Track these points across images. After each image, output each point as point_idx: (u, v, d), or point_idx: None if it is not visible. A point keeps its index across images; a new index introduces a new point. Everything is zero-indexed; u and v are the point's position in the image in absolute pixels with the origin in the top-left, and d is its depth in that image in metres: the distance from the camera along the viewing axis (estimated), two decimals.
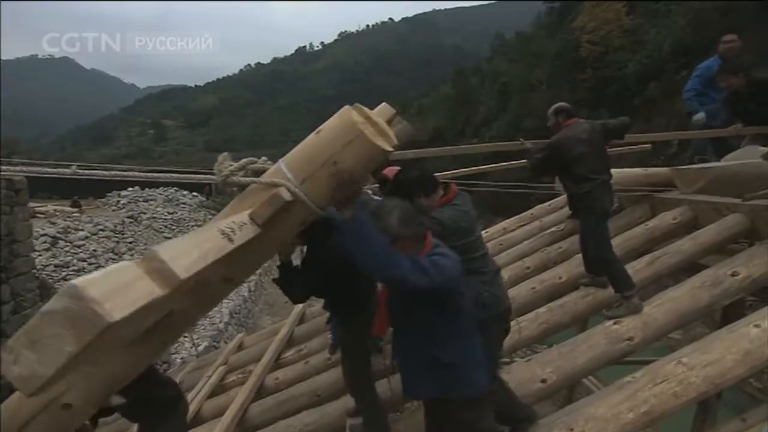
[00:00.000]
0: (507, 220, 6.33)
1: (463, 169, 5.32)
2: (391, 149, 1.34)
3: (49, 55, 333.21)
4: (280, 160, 1.35)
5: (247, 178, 1.36)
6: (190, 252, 0.84)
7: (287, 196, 1.21)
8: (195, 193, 27.82)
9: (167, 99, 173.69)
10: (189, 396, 4.02)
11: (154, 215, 21.46)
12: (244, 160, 1.41)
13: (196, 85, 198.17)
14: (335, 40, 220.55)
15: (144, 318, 0.77)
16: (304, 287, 2.31)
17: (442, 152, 5.80)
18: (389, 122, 2.64)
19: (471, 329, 1.78)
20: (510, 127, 36.55)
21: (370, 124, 1.30)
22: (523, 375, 2.78)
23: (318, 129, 1.34)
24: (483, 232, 6.54)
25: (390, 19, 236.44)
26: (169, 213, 22.65)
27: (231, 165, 1.39)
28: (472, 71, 61.97)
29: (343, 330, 2.65)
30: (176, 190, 27.62)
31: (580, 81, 32.71)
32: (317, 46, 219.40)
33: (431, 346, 1.69)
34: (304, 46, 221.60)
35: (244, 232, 1.13)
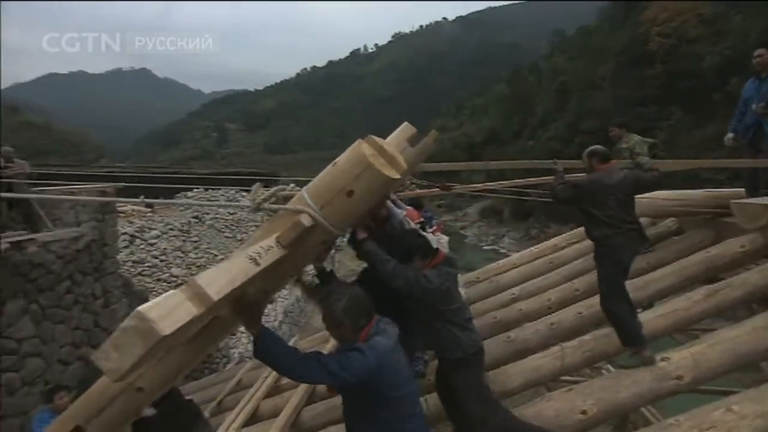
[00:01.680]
0: (558, 237, 6.19)
1: (490, 183, 5.31)
2: (399, 176, 1.49)
3: (130, 67, 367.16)
4: (303, 188, 1.55)
5: (275, 206, 1.61)
6: (221, 278, 1.08)
7: (308, 222, 1.41)
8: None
9: (229, 103, 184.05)
10: (247, 394, 4.39)
11: (216, 216, 22.91)
12: (273, 189, 1.68)
13: (255, 90, 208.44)
14: (389, 41, 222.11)
15: (188, 329, 1.04)
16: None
17: (472, 167, 5.85)
18: (411, 140, 2.80)
19: (394, 417, 1.83)
20: (569, 128, 34.93)
21: (380, 155, 1.44)
22: (562, 404, 2.78)
23: (335, 161, 1.52)
24: (533, 247, 6.49)
25: (444, 18, 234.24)
26: (230, 214, 24.07)
27: (263, 193, 1.64)
28: (529, 70, 59.79)
29: None
30: (236, 191, 29.35)
31: (648, 77, 30.59)
32: (371, 48, 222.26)
33: (350, 424, 1.94)
34: (359, 49, 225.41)
35: (270, 254, 1.34)
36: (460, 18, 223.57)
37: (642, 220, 4.94)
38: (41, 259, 6.58)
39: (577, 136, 31.91)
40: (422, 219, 3.16)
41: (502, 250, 28.89)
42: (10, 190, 6.59)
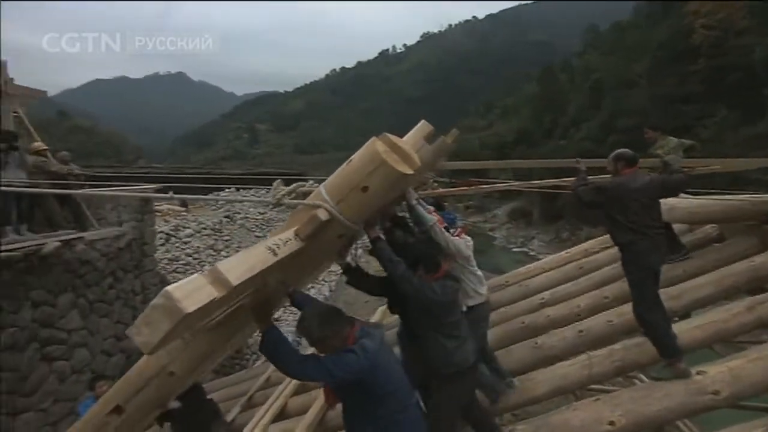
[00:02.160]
0: (589, 242, 6.04)
1: (514, 182, 5.23)
2: (412, 172, 1.53)
3: (167, 72, 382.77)
4: (321, 185, 1.61)
5: (294, 201, 1.70)
6: (240, 265, 1.16)
7: (324, 216, 1.47)
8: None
9: (260, 105, 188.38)
10: (276, 391, 4.53)
11: (247, 215, 23.57)
12: (294, 185, 1.78)
13: (285, 91, 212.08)
14: (417, 41, 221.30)
15: (210, 311, 1.14)
16: (374, 287, 2.73)
17: (495, 165, 5.81)
18: (428, 138, 2.82)
19: (389, 412, 1.95)
20: (603, 128, 33.79)
21: (394, 152, 1.49)
22: (589, 414, 2.74)
23: (350, 159, 1.57)
24: (564, 251, 6.36)
25: (474, 17, 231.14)
26: (260, 213, 24.70)
27: (283, 189, 1.75)
28: (561, 68, 58.17)
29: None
30: (267, 192, 30.09)
31: (690, 72, 29.12)
32: (400, 49, 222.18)
33: (350, 425, 2.07)
34: (387, 49, 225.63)
35: (288, 246, 1.42)
36: (490, 16, 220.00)
37: (678, 226, 4.78)
38: (88, 256, 6.99)
39: (611, 135, 30.84)
40: (444, 225, 3.17)
41: (532, 252, 28.27)
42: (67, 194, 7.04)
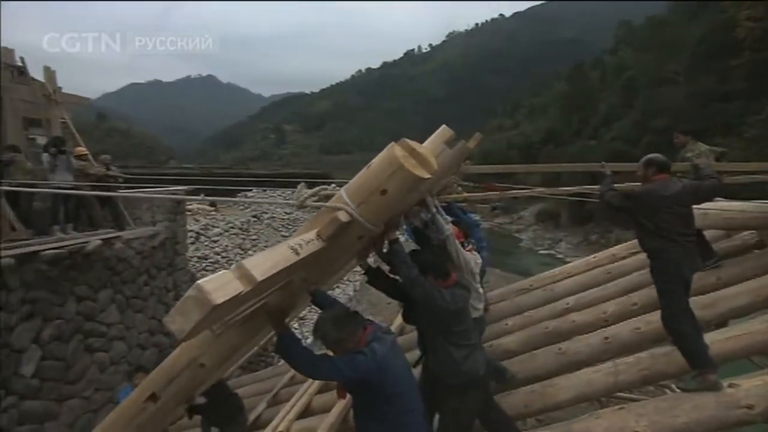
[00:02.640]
0: (617, 246, 5.90)
1: (527, 189, 5.19)
2: (429, 176, 1.57)
3: (198, 75, 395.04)
4: (342, 188, 1.68)
5: (317, 203, 1.79)
6: (265, 263, 1.24)
7: (345, 218, 1.54)
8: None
9: (287, 105, 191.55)
10: (301, 389, 4.65)
11: (273, 215, 24.06)
12: (317, 188, 1.89)
13: (312, 92, 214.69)
14: (443, 41, 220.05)
15: (237, 305, 1.23)
16: (392, 289, 2.76)
17: (518, 169, 5.71)
18: (448, 142, 2.85)
19: (395, 413, 2.03)
20: (636, 127, 32.61)
21: (412, 156, 1.53)
22: (613, 422, 2.70)
23: (369, 163, 1.63)
24: (591, 256, 6.23)
25: (500, 15, 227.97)
26: (287, 213, 25.17)
27: (307, 192, 1.85)
28: (592, 65, 56.48)
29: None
30: (293, 192, 30.58)
31: (732, 68, 27.69)
32: (425, 49, 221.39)
33: (358, 423, 2.17)
34: (413, 49, 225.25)
35: (310, 246, 1.50)
36: (517, 14, 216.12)
37: (712, 232, 4.62)
38: (125, 254, 7.36)
39: (645, 135, 29.73)
40: (462, 240, 3.23)
41: (559, 255, 27.62)
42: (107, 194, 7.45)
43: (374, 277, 2.73)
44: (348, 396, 2.34)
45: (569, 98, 49.61)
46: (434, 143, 2.73)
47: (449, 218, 3.04)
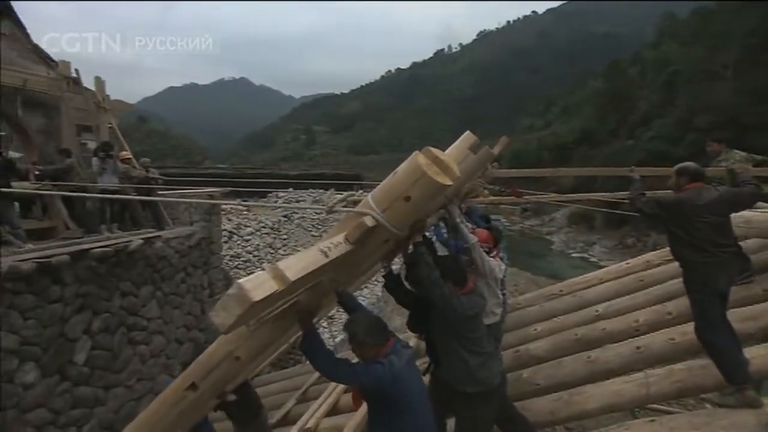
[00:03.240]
0: (651, 253, 5.72)
1: (552, 195, 5.06)
2: (451, 183, 1.64)
3: (231, 77, 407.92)
4: (368, 194, 1.77)
5: (345, 209, 1.90)
6: (297, 264, 1.36)
7: (371, 223, 1.64)
8: (338, 193, 30.73)
9: (317, 106, 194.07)
10: (329, 387, 4.78)
11: (303, 215, 24.49)
12: (345, 194, 2.08)
13: (341, 93, 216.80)
14: (473, 39, 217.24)
15: (273, 302, 1.35)
16: (404, 296, 2.85)
17: (540, 173, 5.63)
18: (473, 148, 2.88)
19: (405, 425, 2.11)
20: (678, 125, 31.14)
21: (434, 164, 1.60)
22: None
23: (395, 171, 1.71)
24: (623, 262, 6.06)
25: (533, 12, 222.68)
26: (316, 214, 25.58)
27: (336, 198, 1.98)
28: (631, 61, 54.41)
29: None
30: (322, 192, 31.06)
31: None
32: (455, 48, 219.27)
33: (371, 427, 2.30)
34: (442, 49, 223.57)
35: (339, 249, 1.60)
36: (550, 10, 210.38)
37: (755, 241, 4.41)
38: (165, 253, 7.75)
39: (688, 133, 28.36)
40: (488, 245, 3.27)
41: (592, 259, 26.78)
42: (148, 195, 7.91)
43: (391, 282, 2.81)
44: (364, 403, 2.43)
45: (605, 96, 47.89)
46: (458, 149, 2.79)
47: (471, 226, 3.09)
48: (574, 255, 28.85)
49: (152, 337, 7.56)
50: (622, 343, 3.87)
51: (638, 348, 3.68)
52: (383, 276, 2.82)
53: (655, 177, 4.55)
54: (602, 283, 5.46)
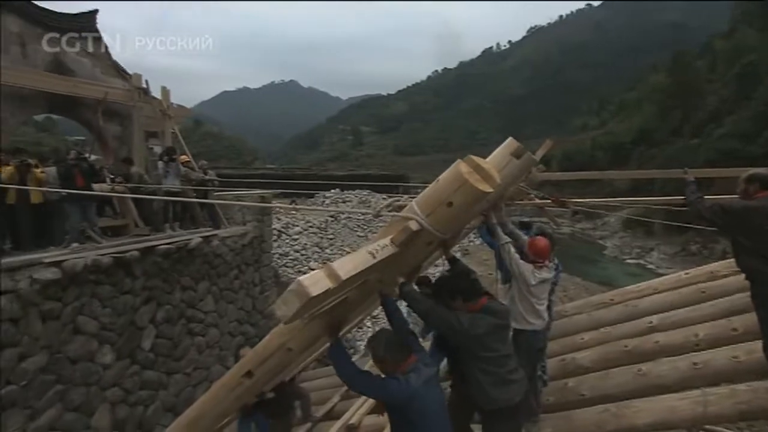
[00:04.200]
0: (717, 263, 5.35)
1: (600, 199, 4.83)
2: (492, 190, 1.69)
3: (281, 80, 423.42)
4: (413, 200, 1.85)
5: (391, 213, 2.03)
6: (348, 264, 1.47)
7: (415, 227, 1.73)
8: (385, 197, 30.95)
9: (364, 107, 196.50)
10: None
11: (350, 216, 24.98)
12: (391, 199, 2.19)
13: (388, 94, 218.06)
14: (523, 36, 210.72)
15: (326, 298, 1.46)
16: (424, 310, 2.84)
17: (584, 176, 5.40)
18: (515, 153, 2.88)
19: None
20: (755, 122, 28.49)
21: (476, 172, 1.66)
22: None
23: (437, 179, 1.79)
24: (684, 272, 5.70)
25: (588, 5, 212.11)
26: (362, 214, 26.00)
27: (383, 203, 2.12)
28: (698, 52, 50.45)
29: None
30: (368, 193, 31.42)
31: None
32: (504, 46, 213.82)
33: None
34: (491, 47, 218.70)
35: (385, 251, 1.70)
36: (607, 2, 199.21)
37: None
38: (220, 251, 8.27)
39: (766, 129, 25.91)
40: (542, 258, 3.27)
41: (650, 266, 25.13)
42: (205, 196, 8.48)
43: (409, 293, 2.85)
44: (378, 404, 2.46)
45: (668, 91, 44.66)
46: (500, 155, 2.83)
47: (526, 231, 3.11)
48: (629, 261, 27.23)
49: (208, 329, 8.10)
50: (677, 357, 3.69)
51: (696, 364, 3.50)
52: (399, 287, 2.90)
53: (723, 179, 4.28)
54: (657, 293, 5.20)
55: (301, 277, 1.32)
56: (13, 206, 6.11)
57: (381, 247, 1.69)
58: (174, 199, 7.64)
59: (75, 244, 6.30)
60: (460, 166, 1.68)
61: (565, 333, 4.82)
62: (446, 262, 2.96)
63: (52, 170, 6.61)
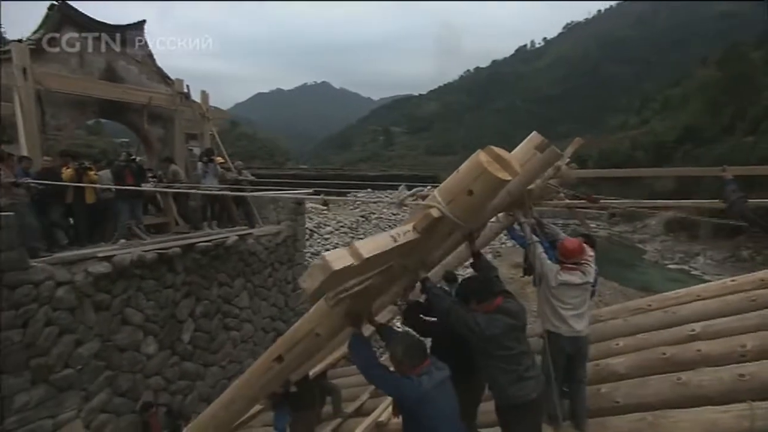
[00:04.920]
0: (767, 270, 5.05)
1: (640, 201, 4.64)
2: (510, 178, 1.74)
3: (313, 82, 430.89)
4: (435, 189, 1.90)
5: (414, 202, 2.11)
6: (370, 244, 1.55)
7: (436, 214, 1.78)
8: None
9: (395, 108, 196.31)
10: None
11: (380, 216, 25.16)
12: (414, 189, 2.24)
13: (420, 94, 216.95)
14: (559, 33, 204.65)
15: (350, 275, 1.54)
16: (422, 328, 2.92)
17: (615, 174, 5.20)
18: (539, 147, 2.85)
19: None
20: None
21: (495, 162, 1.70)
22: None
23: (458, 169, 1.83)
24: (729, 279, 5.40)
25: None
26: (393, 214, 26.11)
27: (405, 193, 2.20)
28: (754, 44, 47.26)
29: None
30: (396, 191, 31.47)
31: None
32: (539, 43, 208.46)
33: None
34: (525, 45, 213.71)
35: (407, 236, 1.77)
36: None
37: None
38: (255, 249, 8.56)
39: None
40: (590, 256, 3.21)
41: (694, 272, 23.83)
42: (242, 195, 8.81)
43: (410, 318, 2.93)
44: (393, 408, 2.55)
45: (719, 86, 42.04)
46: (524, 148, 2.85)
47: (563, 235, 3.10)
48: (671, 266, 25.92)
49: (242, 324, 8.40)
50: (721, 368, 3.52)
51: (742, 376, 3.33)
52: (402, 312, 2.98)
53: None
54: (701, 299, 4.96)
55: (325, 253, 1.41)
56: (69, 205, 6.60)
57: (403, 232, 1.77)
58: (228, 194, 8.05)
59: (122, 240, 6.72)
60: (480, 156, 1.73)
61: (599, 338, 4.69)
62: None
63: (105, 173, 7.08)
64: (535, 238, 3.16)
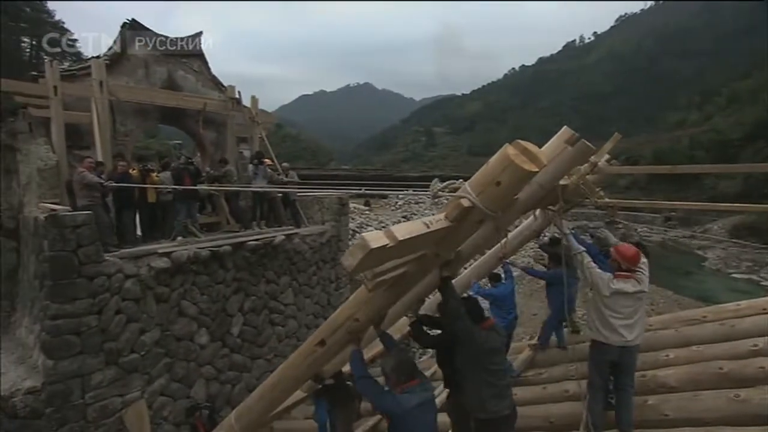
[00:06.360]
0: None
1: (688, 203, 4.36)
2: (537, 170, 1.80)
3: (356, 83, 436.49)
4: (466, 182, 2.00)
5: (446, 193, 2.24)
6: (404, 228, 1.67)
7: (466, 204, 1.89)
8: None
9: (437, 108, 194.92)
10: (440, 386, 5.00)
11: (422, 216, 25.15)
12: (447, 182, 2.33)
13: (462, 94, 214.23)
14: (611, 27, 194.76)
15: (386, 256, 1.67)
16: (428, 341, 3.14)
17: (652, 170, 4.89)
18: (570, 142, 2.82)
19: None
20: None
21: (523, 154, 1.76)
22: None
23: (488, 162, 1.91)
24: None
25: None
26: (433, 215, 26.00)
27: (438, 186, 2.32)
28: None
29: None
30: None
31: None
32: (588, 38, 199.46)
33: None
34: (573, 41, 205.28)
35: (439, 224, 1.88)
36: None
37: None
38: (300, 248, 8.90)
39: None
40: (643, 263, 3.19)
41: (764, 282, 21.98)
42: (286, 195, 9.19)
43: (417, 331, 3.09)
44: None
45: None
46: (555, 143, 2.89)
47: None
48: (735, 275, 24.01)
49: (287, 320, 8.76)
50: None
51: None
52: (409, 325, 3.14)
53: None
54: (766, 313, 4.65)
55: (364, 233, 1.55)
56: (135, 204, 7.21)
57: (436, 220, 1.89)
58: (284, 189, 8.53)
59: (180, 238, 7.24)
60: (508, 149, 1.81)
61: (647, 348, 4.51)
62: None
63: (166, 174, 7.66)
64: (581, 248, 3.13)
